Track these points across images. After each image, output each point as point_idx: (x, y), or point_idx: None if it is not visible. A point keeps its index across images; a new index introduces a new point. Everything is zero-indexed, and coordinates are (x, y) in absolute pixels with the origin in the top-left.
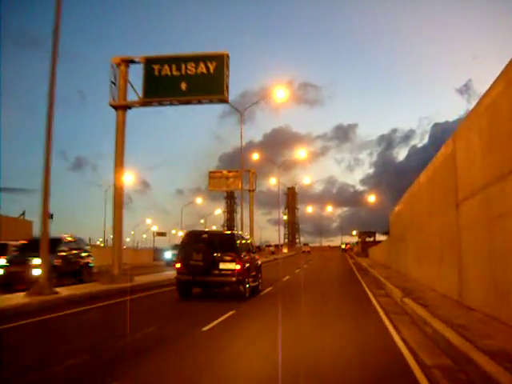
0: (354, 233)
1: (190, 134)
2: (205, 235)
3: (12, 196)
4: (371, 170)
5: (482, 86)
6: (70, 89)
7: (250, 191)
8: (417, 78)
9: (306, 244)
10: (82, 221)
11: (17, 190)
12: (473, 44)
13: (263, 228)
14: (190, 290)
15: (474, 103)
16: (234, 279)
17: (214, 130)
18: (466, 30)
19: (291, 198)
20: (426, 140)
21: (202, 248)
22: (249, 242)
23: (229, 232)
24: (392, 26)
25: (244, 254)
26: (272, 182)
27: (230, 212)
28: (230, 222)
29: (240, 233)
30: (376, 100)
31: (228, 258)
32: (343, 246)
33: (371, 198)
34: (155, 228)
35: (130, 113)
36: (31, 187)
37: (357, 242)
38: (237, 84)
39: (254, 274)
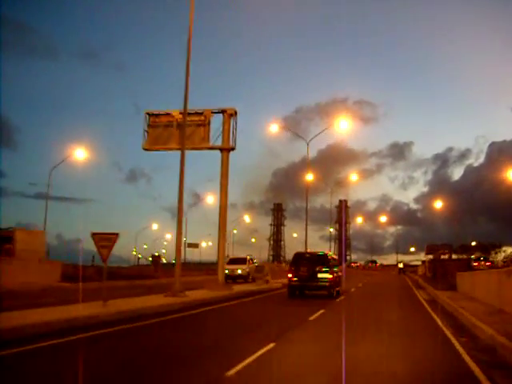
0: (412, 249)
1: (245, 147)
2: (307, 255)
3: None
4: (426, 189)
5: None
6: (126, 101)
7: (224, 150)
8: (473, 97)
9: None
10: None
11: (68, 199)
12: None
13: (316, 245)
14: (295, 292)
15: None
16: (327, 284)
17: (269, 144)
18: None
19: (343, 211)
20: (481, 159)
21: (306, 263)
22: (336, 258)
23: (323, 252)
24: (448, 45)
25: (334, 268)
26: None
27: (277, 225)
28: (276, 236)
29: (330, 253)
30: (431, 118)
31: (324, 270)
32: (401, 266)
33: (438, 205)
34: (186, 239)
35: None
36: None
37: (423, 262)
38: (292, 100)
39: (338, 281)
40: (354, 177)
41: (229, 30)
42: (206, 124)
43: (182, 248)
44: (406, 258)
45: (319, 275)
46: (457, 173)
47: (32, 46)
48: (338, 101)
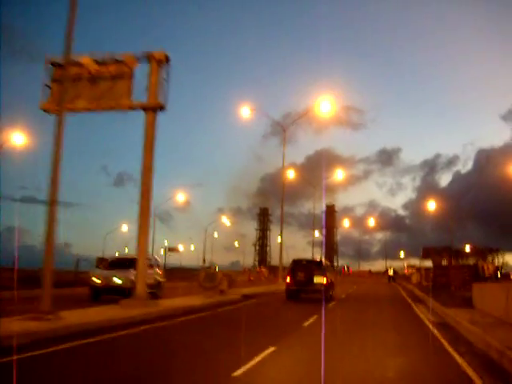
0: (402, 255)
1: (233, 153)
2: (304, 261)
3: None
4: (414, 195)
5: None
6: None
7: (149, 110)
8: (460, 104)
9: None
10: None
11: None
12: None
13: (303, 250)
14: (294, 295)
15: None
16: (322, 288)
17: (257, 150)
18: (510, 55)
19: (330, 216)
20: (469, 166)
21: (303, 269)
22: (329, 265)
23: (319, 259)
24: (436, 52)
25: (328, 273)
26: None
27: (263, 230)
28: (262, 241)
29: (324, 260)
30: (420, 125)
31: (319, 275)
32: (391, 273)
33: (431, 205)
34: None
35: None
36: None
37: (417, 268)
38: (280, 105)
39: (332, 286)
40: (340, 177)
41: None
42: (128, 76)
43: (161, 252)
44: (395, 264)
45: (315, 280)
46: (445, 179)
47: None
48: (327, 98)
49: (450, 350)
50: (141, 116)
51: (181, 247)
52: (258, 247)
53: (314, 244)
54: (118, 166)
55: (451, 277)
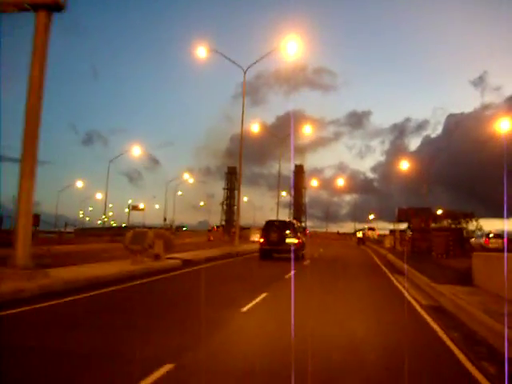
0: (372, 217)
1: (203, 113)
2: (276, 222)
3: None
4: (382, 158)
5: (496, 79)
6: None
7: (39, 10)
8: (432, 69)
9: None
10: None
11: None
12: (489, 36)
13: (272, 210)
14: (267, 255)
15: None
16: (294, 248)
17: (227, 111)
18: (482, 22)
19: (298, 177)
20: (439, 131)
21: (276, 230)
22: (301, 226)
23: (289, 220)
24: (408, 16)
25: (299, 234)
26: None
27: (231, 189)
28: (229, 200)
29: (295, 221)
30: (390, 88)
31: (291, 236)
32: (360, 235)
33: (402, 167)
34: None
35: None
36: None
37: (391, 231)
38: (252, 67)
39: (303, 246)
40: (308, 131)
41: None
42: None
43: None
44: (363, 226)
45: (287, 240)
46: (414, 143)
47: None
48: (298, 68)
49: (468, 365)
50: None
51: (142, 205)
52: (225, 207)
53: (279, 204)
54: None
55: (433, 241)
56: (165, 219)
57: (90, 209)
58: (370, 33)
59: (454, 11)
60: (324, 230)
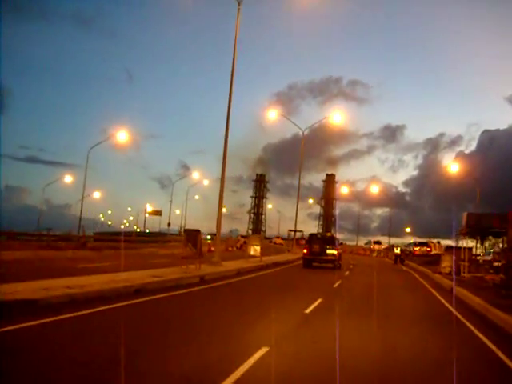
0: (408, 230)
1: (237, 122)
2: (319, 235)
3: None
4: (415, 172)
5: None
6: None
7: None
8: (466, 84)
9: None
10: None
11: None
12: None
13: (303, 222)
14: (310, 264)
15: None
16: (334, 258)
17: (260, 120)
18: None
19: (330, 187)
20: (473, 147)
21: (317, 241)
22: (339, 240)
23: (330, 234)
24: (445, 31)
25: (338, 246)
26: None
27: (259, 197)
28: (257, 209)
29: (336, 235)
30: (425, 103)
31: (331, 248)
32: (397, 251)
33: (453, 168)
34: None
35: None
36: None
37: (449, 248)
38: (285, 76)
39: (340, 257)
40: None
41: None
42: None
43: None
44: (399, 242)
45: (328, 251)
46: (447, 159)
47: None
48: (332, 80)
49: None
50: None
51: (154, 210)
52: (252, 215)
53: (297, 212)
54: None
55: None
56: (169, 224)
57: (109, 212)
58: (406, 47)
59: (490, 27)
60: (354, 242)
